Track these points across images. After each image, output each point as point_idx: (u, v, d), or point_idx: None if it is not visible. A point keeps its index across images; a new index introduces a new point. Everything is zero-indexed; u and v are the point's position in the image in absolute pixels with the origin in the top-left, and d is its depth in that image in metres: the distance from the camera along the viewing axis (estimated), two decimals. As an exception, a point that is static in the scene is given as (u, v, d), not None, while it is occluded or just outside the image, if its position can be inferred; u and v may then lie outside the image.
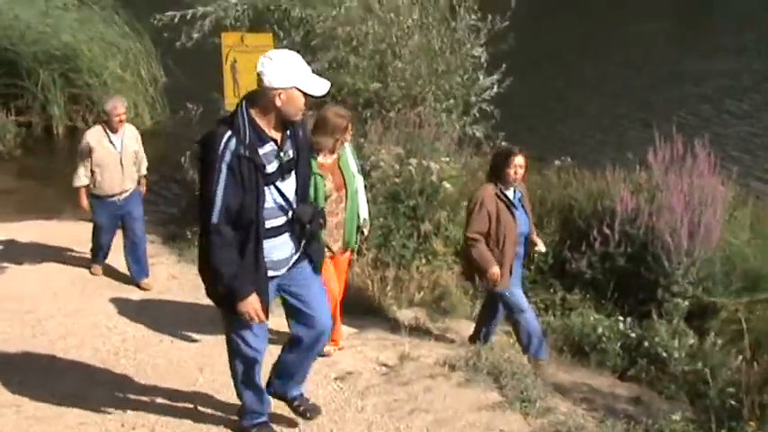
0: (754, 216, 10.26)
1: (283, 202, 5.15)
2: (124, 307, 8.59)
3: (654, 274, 9.29)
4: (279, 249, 5.24)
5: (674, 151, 10.00)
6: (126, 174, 9.07)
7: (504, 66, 11.95)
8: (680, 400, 7.74)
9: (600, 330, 8.78)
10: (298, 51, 5.25)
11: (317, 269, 5.54)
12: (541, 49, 22.91)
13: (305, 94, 5.01)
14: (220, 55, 10.10)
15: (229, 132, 4.94)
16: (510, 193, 7.82)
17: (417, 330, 8.61)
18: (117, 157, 8.99)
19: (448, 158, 11.03)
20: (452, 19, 11.85)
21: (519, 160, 7.75)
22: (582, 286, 9.73)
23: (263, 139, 5.01)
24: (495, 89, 11.89)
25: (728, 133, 17.63)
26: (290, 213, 5.20)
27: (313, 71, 5.02)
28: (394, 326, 8.52)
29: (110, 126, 8.94)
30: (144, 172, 9.47)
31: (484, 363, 7.16)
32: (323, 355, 7.11)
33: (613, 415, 6.79)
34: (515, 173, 7.74)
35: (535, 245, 8.11)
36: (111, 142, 8.99)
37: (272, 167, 5.04)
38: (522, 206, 7.97)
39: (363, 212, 7.35)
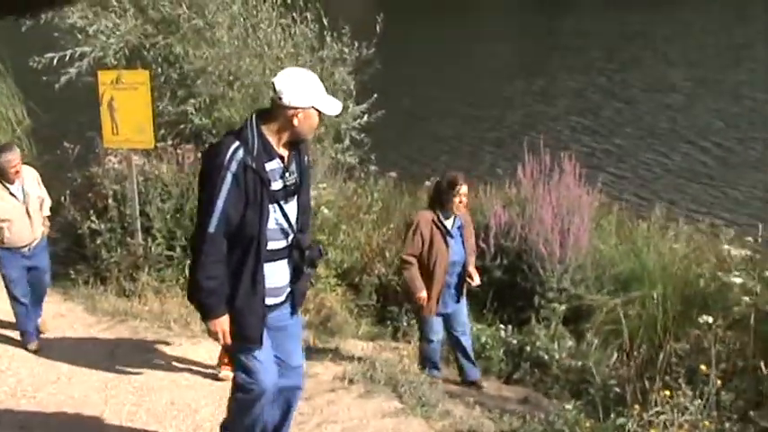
0: (619, 223, 10.96)
1: (285, 225, 5.03)
2: (15, 349, 8.60)
3: (530, 283, 9.82)
4: (277, 275, 5.09)
5: (542, 166, 10.60)
6: (34, 221, 8.64)
7: (374, 94, 12.33)
8: (564, 398, 8.21)
9: (483, 339, 9.26)
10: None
11: (295, 309, 5.39)
12: (403, 74, 23.68)
13: (319, 114, 5.00)
14: (97, 94, 10.14)
15: (237, 143, 4.84)
16: (449, 222, 8.04)
17: (308, 351, 8.86)
18: (22, 209, 8.51)
19: (324, 184, 11.37)
20: (321, 48, 12.15)
21: (463, 189, 7.96)
22: (463, 299, 10.16)
23: (270, 154, 4.92)
24: (365, 117, 12.24)
25: (585, 148, 18.54)
26: (290, 238, 5.09)
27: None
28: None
29: (6, 178, 8.41)
30: (47, 213, 9.03)
31: (380, 374, 7.55)
32: (219, 379, 7.45)
33: (506, 414, 7.24)
34: (460, 201, 7.96)
35: (471, 276, 8.23)
36: (11, 194, 8.47)
37: (277, 185, 4.95)
38: (461, 236, 8.15)
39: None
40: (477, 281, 8.27)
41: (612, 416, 6.18)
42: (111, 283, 10.42)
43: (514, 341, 9.25)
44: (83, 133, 11.67)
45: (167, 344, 8.46)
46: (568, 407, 6.70)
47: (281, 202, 4.99)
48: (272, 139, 4.95)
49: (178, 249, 10.17)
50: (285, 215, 5.02)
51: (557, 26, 36.40)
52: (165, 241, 10.24)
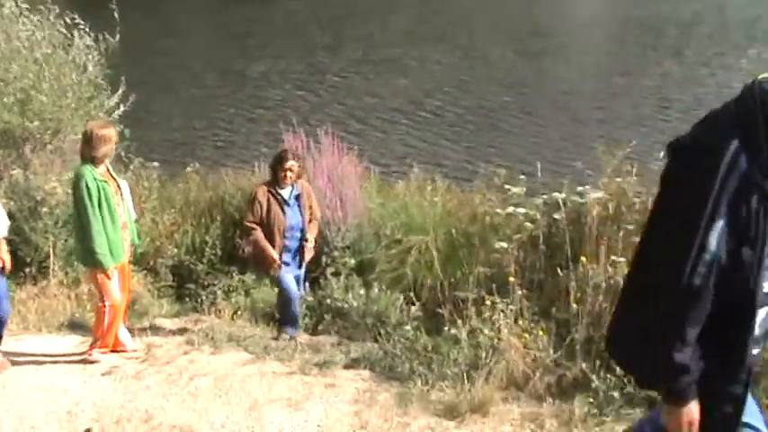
0: (379, 186, 12.87)
1: None
2: None
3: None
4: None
5: (303, 143, 12.20)
6: None
7: (123, 81, 13.45)
8: (367, 340, 9.89)
9: (282, 300, 10.78)
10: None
11: None
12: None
13: None
14: None
15: (737, 142, 3.28)
16: (285, 192, 9.39)
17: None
18: None
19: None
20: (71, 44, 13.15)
21: (289, 164, 9.31)
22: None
23: None
24: (121, 108, 13.33)
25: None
26: None
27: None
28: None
29: None
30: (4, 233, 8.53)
31: (220, 335, 9.04)
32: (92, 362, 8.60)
33: (338, 352, 8.86)
34: (285, 174, 9.31)
35: (307, 240, 9.53)
36: None
37: None
38: (298, 204, 9.46)
39: (133, 214, 9.02)
40: (311, 242, 9.60)
41: (446, 328, 7.98)
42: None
43: (311, 297, 10.77)
44: None
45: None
46: (407, 328, 8.46)
47: None
48: None
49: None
50: None
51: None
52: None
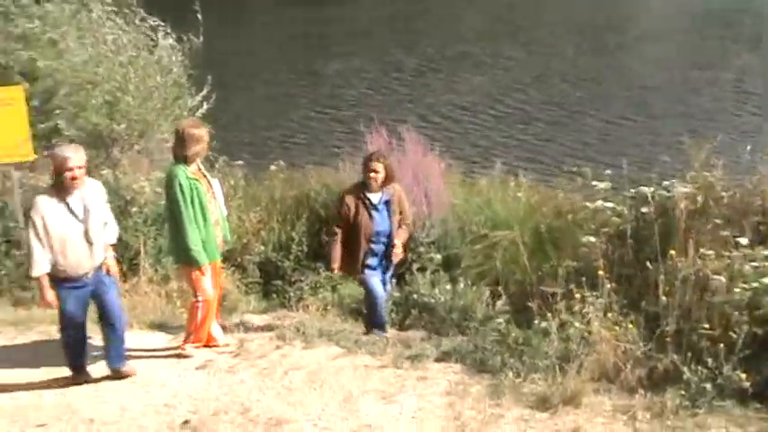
0: (461, 182, 12.98)
1: None
2: None
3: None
4: None
5: (386, 141, 12.34)
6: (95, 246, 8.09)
7: (210, 80, 13.74)
8: (454, 335, 9.98)
9: (371, 296, 10.93)
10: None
11: None
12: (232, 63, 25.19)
13: None
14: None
15: None
16: (374, 196, 9.34)
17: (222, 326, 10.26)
18: (80, 229, 7.96)
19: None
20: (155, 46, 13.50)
21: (373, 165, 9.27)
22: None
23: None
24: (204, 107, 13.63)
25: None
26: None
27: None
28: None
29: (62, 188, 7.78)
30: (113, 240, 8.54)
31: (312, 330, 9.20)
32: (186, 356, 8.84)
33: (429, 345, 8.96)
34: (370, 176, 9.26)
35: (395, 245, 9.41)
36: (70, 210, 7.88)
37: None
38: (387, 209, 9.39)
39: (224, 211, 9.09)
40: (399, 248, 9.47)
41: (537, 321, 8.06)
42: (5, 296, 11.31)
43: (398, 294, 10.89)
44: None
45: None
46: (500, 320, 8.57)
47: None
48: None
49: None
50: None
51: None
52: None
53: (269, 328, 9.70)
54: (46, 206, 7.78)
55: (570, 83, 25.11)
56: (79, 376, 8.48)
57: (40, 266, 7.83)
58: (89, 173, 8.42)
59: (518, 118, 21.79)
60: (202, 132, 8.57)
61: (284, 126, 22.11)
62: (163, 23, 13.61)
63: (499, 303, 9.88)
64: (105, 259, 8.23)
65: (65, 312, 8.10)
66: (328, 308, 10.74)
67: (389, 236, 9.42)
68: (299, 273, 11.74)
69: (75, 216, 7.88)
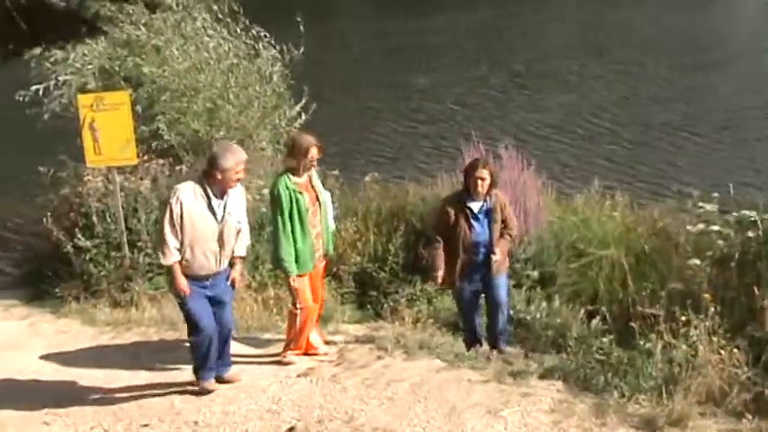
0: (555, 200, 13.02)
1: None
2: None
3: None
4: None
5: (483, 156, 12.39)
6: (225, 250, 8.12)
7: (306, 91, 13.97)
8: (548, 352, 10.03)
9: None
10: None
11: None
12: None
13: None
14: (78, 117, 11.33)
15: None
16: (475, 205, 9.19)
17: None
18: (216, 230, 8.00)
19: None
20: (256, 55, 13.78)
21: (479, 173, 9.08)
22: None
23: None
24: (303, 117, 13.87)
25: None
26: None
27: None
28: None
29: (220, 185, 7.79)
30: (242, 252, 8.54)
31: (412, 341, 9.31)
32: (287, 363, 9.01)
33: (530, 361, 9.03)
34: (476, 184, 9.07)
35: (494, 253, 9.19)
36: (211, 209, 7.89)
37: None
38: (488, 218, 9.19)
39: (332, 224, 9.19)
40: (497, 256, 9.17)
41: (641, 342, 8.09)
42: (103, 297, 11.63)
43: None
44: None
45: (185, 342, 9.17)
46: (604, 340, 8.61)
47: None
48: None
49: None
50: None
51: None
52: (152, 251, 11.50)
53: (367, 338, 9.80)
54: (187, 196, 7.73)
55: (658, 103, 24.90)
56: (203, 385, 8.46)
57: (174, 255, 7.80)
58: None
59: (607, 138, 21.69)
60: (311, 145, 8.57)
61: (371, 138, 22.25)
62: (266, 34, 13.85)
63: (594, 322, 9.92)
64: (232, 270, 8.27)
65: (192, 310, 8.02)
66: (424, 320, 10.77)
67: (489, 246, 9.20)
68: (395, 285, 11.83)
69: (215, 215, 7.83)
